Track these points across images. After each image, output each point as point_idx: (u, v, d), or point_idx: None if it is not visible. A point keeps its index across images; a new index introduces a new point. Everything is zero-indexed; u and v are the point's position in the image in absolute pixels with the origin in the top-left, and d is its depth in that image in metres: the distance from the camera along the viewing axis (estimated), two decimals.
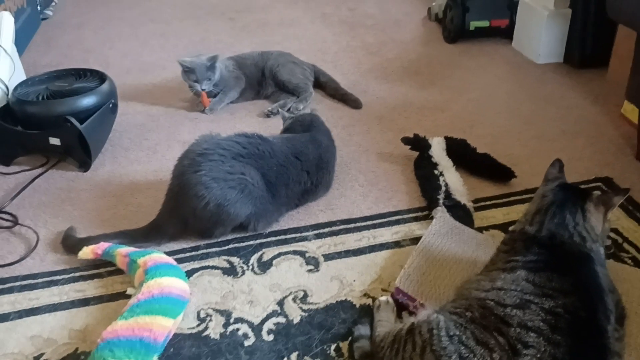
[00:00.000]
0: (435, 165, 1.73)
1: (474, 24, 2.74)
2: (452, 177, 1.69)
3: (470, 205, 1.61)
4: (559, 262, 1.06)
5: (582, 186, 1.72)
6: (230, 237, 1.55)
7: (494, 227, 1.57)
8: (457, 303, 1.06)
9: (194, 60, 2.17)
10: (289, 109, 2.18)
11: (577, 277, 1.02)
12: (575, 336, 0.93)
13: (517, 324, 0.95)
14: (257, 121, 2.15)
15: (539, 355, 0.91)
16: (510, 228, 1.26)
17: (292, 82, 2.26)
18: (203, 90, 2.17)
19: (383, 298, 1.28)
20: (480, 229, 1.55)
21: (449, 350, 0.95)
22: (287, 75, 2.27)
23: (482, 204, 1.65)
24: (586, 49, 2.44)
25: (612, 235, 1.52)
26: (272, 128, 2.08)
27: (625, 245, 1.49)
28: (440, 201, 1.59)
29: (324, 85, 2.35)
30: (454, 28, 2.76)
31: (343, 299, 1.34)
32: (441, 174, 1.70)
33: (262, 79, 2.30)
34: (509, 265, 1.08)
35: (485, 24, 2.75)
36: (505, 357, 0.92)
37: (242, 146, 1.54)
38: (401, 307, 1.29)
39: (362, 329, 1.22)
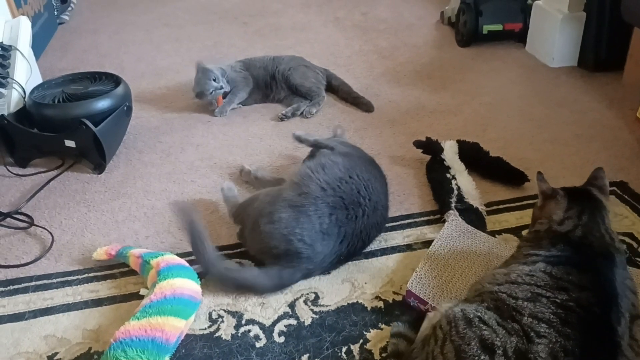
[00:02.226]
0: (447, 168, 1.73)
1: (487, 28, 2.73)
2: (464, 181, 1.69)
3: (482, 209, 1.60)
4: (582, 259, 1.06)
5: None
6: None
7: (507, 231, 1.56)
8: (472, 299, 1.08)
9: (195, 85, 2.21)
10: (302, 113, 2.19)
11: (597, 275, 1.02)
12: (586, 331, 0.93)
13: (528, 314, 0.96)
14: (270, 125, 2.16)
15: (550, 345, 0.91)
16: (530, 230, 1.24)
17: (304, 86, 2.27)
18: (225, 91, 2.22)
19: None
20: (493, 233, 1.54)
21: (468, 337, 0.95)
22: (300, 79, 2.29)
23: (495, 207, 1.64)
24: (601, 52, 2.42)
25: (627, 240, 1.50)
26: (285, 131, 2.09)
27: None
28: (453, 204, 1.59)
29: (336, 89, 2.36)
30: (467, 32, 2.75)
31: (354, 301, 1.34)
32: (453, 177, 1.69)
33: (271, 82, 2.31)
34: (530, 259, 1.09)
35: (498, 27, 2.73)
36: (521, 343, 0.93)
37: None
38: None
39: (403, 328, 1.21)
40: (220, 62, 2.33)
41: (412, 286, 1.30)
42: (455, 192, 1.63)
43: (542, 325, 0.94)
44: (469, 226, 1.51)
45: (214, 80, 2.19)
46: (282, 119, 2.17)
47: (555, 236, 1.12)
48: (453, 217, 1.53)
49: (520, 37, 2.74)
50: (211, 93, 2.19)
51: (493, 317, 0.98)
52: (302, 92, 2.27)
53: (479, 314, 0.99)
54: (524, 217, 1.61)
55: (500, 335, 0.94)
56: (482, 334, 0.95)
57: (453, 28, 2.96)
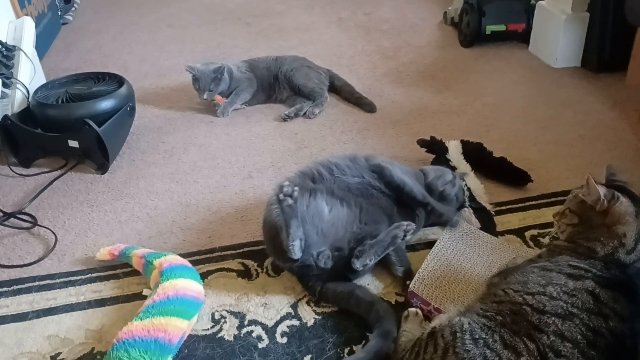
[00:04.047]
0: (453, 169, 1.73)
1: (490, 28, 2.72)
2: (472, 182, 1.69)
3: (491, 209, 1.61)
4: (633, 288, 1.00)
5: None
6: (244, 240, 1.55)
7: (510, 232, 1.55)
8: (488, 306, 1.03)
9: (201, 69, 2.21)
10: (304, 113, 2.19)
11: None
12: (610, 357, 0.91)
13: (552, 332, 0.92)
14: (273, 125, 2.16)
15: None
16: (573, 237, 1.12)
17: (307, 87, 2.27)
18: (204, 99, 2.22)
19: (412, 309, 1.26)
20: (496, 234, 1.53)
21: (473, 353, 0.93)
22: (303, 80, 2.29)
23: (498, 208, 1.64)
24: (604, 53, 2.42)
25: None
26: (288, 132, 2.10)
27: None
28: (467, 203, 1.59)
29: (338, 89, 2.36)
30: (470, 32, 2.75)
31: None
32: (461, 178, 1.69)
33: (274, 83, 2.31)
34: (577, 272, 1.01)
35: (501, 28, 2.73)
36: None
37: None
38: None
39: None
40: (227, 61, 2.33)
41: (414, 287, 1.30)
42: (467, 192, 1.64)
43: (567, 344, 0.91)
44: (472, 227, 1.50)
45: (217, 86, 2.20)
46: (285, 120, 2.17)
47: (613, 261, 1.02)
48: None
49: (523, 38, 2.74)
50: (199, 88, 2.20)
51: (500, 339, 0.94)
52: (304, 92, 2.27)
53: (485, 336, 0.95)
54: (527, 218, 1.60)
55: (504, 359, 0.91)
56: (486, 355, 0.93)
57: (456, 28, 2.96)
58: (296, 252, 1.30)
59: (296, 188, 1.29)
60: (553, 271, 1.03)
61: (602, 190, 1.07)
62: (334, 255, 1.34)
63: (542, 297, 0.97)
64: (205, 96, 2.21)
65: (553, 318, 0.94)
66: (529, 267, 1.07)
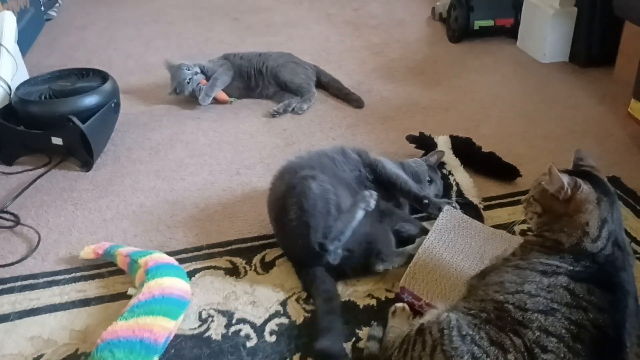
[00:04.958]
0: (442, 164, 1.72)
1: (478, 24, 2.72)
2: (461, 177, 1.68)
3: (480, 204, 1.60)
4: (606, 277, 0.98)
5: None
6: (232, 237, 1.53)
7: (499, 226, 1.54)
8: (471, 304, 1.01)
9: (171, 82, 2.23)
10: (293, 109, 2.17)
11: (617, 295, 0.96)
12: (596, 349, 0.90)
13: (536, 328, 0.91)
14: (261, 121, 2.13)
15: None
16: (540, 232, 1.10)
17: (294, 82, 2.25)
18: (199, 80, 2.22)
19: (400, 305, 1.25)
20: None
21: (461, 350, 0.92)
22: (290, 75, 2.26)
23: (487, 203, 1.63)
24: (592, 47, 2.42)
25: None
26: (276, 128, 2.08)
27: (634, 245, 1.46)
28: (453, 199, 1.59)
29: (326, 85, 2.34)
30: (459, 28, 2.74)
31: (346, 299, 1.32)
32: (450, 173, 1.69)
33: (258, 77, 2.29)
34: (549, 269, 0.99)
35: (489, 23, 2.73)
36: (520, 359, 0.89)
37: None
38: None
39: (376, 330, 1.20)
40: (198, 60, 2.33)
41: (405, 282, 1.28)
42: (455, 187, 1.63)
43: (552, 339, 0.90)
44: (465, 215, 1.49)
45: (187, 69, 2.20)
46: (273, 116, 2.15)
47: (582, 253, 1.00)
48: (448, 208, 1.50)
49: (511, 33, 2.74)
50: (189, 82, 2.18)
51: (487, 336, 0.93)
52: (292, 88, 2.25)
53: (472, 332, 0.94)
54: (517, 213, 1.59)
55: (492, 356, 0.90)
56: (474, 352, 0.91)
57: (444, 24, 2.95)
58: (340, 242, 1.33)
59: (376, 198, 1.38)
60: (526, 269, 1.01)
61: (565, 179, 1.04)
62: (344, 255, 1.34)
63: (522, 295, 0.96)
64: (194, 78, 2.20)
65: (536, 314, 0.93)
66: (503, 267, 1.06)
